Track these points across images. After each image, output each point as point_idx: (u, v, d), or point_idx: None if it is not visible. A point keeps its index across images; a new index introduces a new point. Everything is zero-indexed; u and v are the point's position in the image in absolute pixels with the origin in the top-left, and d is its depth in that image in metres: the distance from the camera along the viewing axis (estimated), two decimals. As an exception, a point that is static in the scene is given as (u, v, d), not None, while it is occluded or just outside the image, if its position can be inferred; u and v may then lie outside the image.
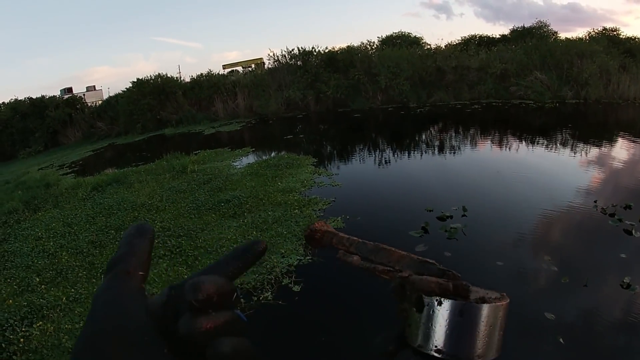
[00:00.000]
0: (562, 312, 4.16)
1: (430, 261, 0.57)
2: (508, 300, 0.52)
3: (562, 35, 23.44)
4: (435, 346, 0.51)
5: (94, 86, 43.82)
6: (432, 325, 0.51)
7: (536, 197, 7.29)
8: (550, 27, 24.41)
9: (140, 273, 0.40)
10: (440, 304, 0.51)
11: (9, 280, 6.40)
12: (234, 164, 11.76)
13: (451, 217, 6.53)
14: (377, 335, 0.57)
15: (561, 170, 9.16)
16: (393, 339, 0.56)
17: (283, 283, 5.14)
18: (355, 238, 0.68)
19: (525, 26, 24.78)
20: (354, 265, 0.65)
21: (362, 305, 4.70)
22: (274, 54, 23.68)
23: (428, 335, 0.52)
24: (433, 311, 0.52)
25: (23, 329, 4.88)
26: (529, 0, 58.64)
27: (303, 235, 0.70)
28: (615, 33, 21.31)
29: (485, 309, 0.50)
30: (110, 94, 28.77)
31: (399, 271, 0.59)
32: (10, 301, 5.57)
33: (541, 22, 24.61)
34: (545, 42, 20.89)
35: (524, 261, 5.32)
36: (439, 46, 23.15)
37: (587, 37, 21.33)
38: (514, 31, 25.04)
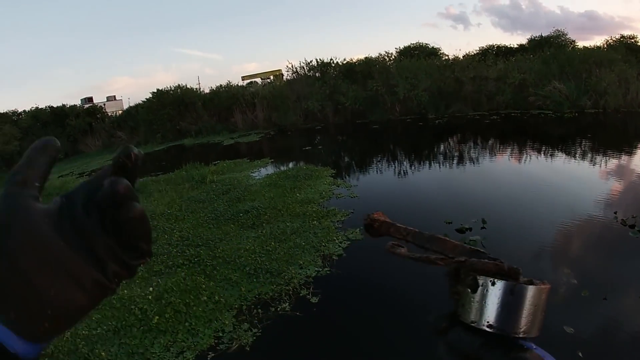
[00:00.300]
0: (582, 326, 4.12)
1: (481, 250, 0.65)
2: (549, 286, 0.60)
3: (580, 43, 23.23)
4: (487, 321, 0.58)
5: (114, 96, 44.51)
6: (485, 302, 0.59)
7: (556, 209, 7.23)
8: (568, 36, 24.25)
9: (37, 184, 0.44)
10: (493, 284, 0.59)
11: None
12: (253, 174, 11.86)
13: (470, 229, 6.50)
14: (430, 314, 0.64)
15: (581, 181, 9.05)
16: (445, 317, 0.63)
17: (301, 294, 5.16)
18: (412, 228, 0.75)
19: (543, 35, 24.64)
20: (401, 257, 0.72)
21: (381, 317, 4.72)
22: (292, 66, 23.94)
23: (481, 311, 0.59)
24: (487, 290, 0.59)
25: (40, 333, 4.98)
26: (546, 9, 58.14)
27: (362, 224, 0.76)
28: (633, 40, 21.06)
29: (532, 290, 0.58)
30: (131, 104, 29.17)
31: (453, 258, 0.66)
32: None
33: (559, 31, 24.42)
34: (563, 51, 20.73)
35: (543, 274, 5.27)
36: (457, 57, 23.09)
37: (605, 46, 21.15)
38: (531, 40, 24.86)
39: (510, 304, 0.58)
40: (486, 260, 0.61)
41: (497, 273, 0.60)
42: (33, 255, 0.40)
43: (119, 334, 4.69)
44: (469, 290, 0.61)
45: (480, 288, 0.59)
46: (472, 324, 0.59)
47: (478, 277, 0.60)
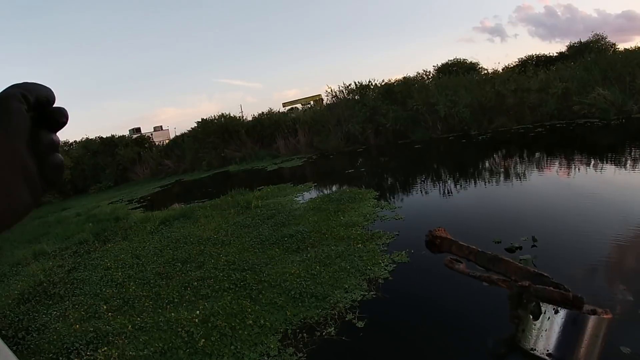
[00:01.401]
0: (639, 346, 3.89)
1: (545, 274, 0.63)
2: (611, 317, 0.59)
3: (621, 46, 22.70)
4: (547, 350, 0.58)
5: (161, 126, 46.31)
6: (546, 330, 0.58)
7: (609, 223, 6.89)
8: (607, 40, 23.77)
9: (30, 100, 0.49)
10: (556, 312, 0.58)
11: (77, 306, 6.79)
12: (297, 199, 11.94)
13: (520, 248, 6.27)
14: (488, 338, 0.64)
15: (634, 192, 8.61)
16: (503, 342, 0.62)
17: (347, 319, 5.07)
18: (474, 247, 0.74)
19: (582, 41, 24.23)
20: (460, 273, 0.70)
21: (430, 343, 4.58)
22: (331, 90, 24.16)
23: (542, 339, 0.58)
24: (549, 318, 0.59)
25: (88, 353, 5.13)
26: (583, 14, 56.88)
27: (424, 240, 0.76)
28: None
29: (594, 320, 0.57)
30: (177, 134, 30.23)
31: (516, 281, 0.65)
32: (77, 326, 5.87)
33: (597, 35, 24.01)
34: (604, 55, 20.25)
35: (597, 291, 5.01)
36: (496, 70, 22.92)
37: (646, 46, 20.37)
38: (571, 47, 24.50)
39: (572, 334, 0.57)
40: (552, 289, 0.60)
41: (561, 302, 0.59)
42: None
43: (165, 356, 4.75)
44: (531, 316, 0.60)
45: (542, 315, 0.59)
46: (532, 352, 0.59)
47: (541, 304, 0.59)
